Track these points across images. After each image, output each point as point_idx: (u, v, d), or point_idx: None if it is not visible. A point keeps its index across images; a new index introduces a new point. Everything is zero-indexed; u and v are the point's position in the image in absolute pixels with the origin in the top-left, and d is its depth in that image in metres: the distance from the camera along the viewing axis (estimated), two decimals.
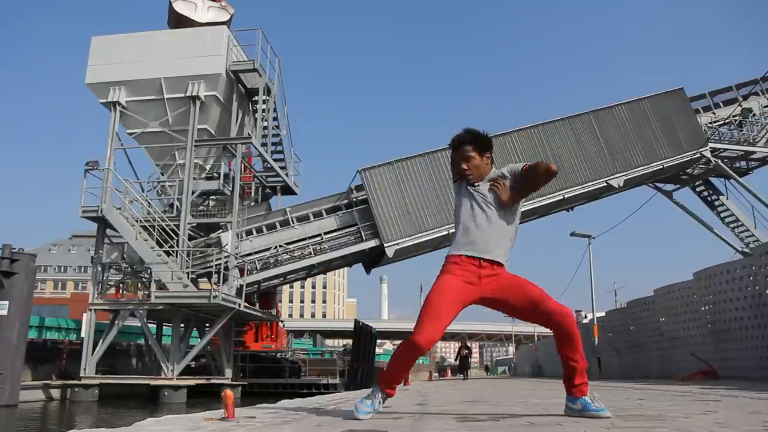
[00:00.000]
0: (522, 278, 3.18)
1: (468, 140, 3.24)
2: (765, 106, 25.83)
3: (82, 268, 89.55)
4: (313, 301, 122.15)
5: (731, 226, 26.21)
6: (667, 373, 11.99)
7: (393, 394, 3.30)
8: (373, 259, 21.97)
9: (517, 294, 3.12)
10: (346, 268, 37.15)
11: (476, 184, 3.24)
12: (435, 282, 3.17)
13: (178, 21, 19.78)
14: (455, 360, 29.29)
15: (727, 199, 26.10)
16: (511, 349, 78.78)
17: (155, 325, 20.30)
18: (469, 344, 29.42)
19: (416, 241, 19.31)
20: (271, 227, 19.89)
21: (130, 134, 19.20)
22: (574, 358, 3.06)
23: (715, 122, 25.24)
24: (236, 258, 18.17)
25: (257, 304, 22.00)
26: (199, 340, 18.62)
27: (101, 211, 17.41)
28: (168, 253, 16.99)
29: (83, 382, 16.59)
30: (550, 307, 3.06)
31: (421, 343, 3.04)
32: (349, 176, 44.20)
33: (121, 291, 19.61)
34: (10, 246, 13.93)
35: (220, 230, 18.77)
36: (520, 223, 3.43)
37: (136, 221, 17.39)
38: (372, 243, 19.40)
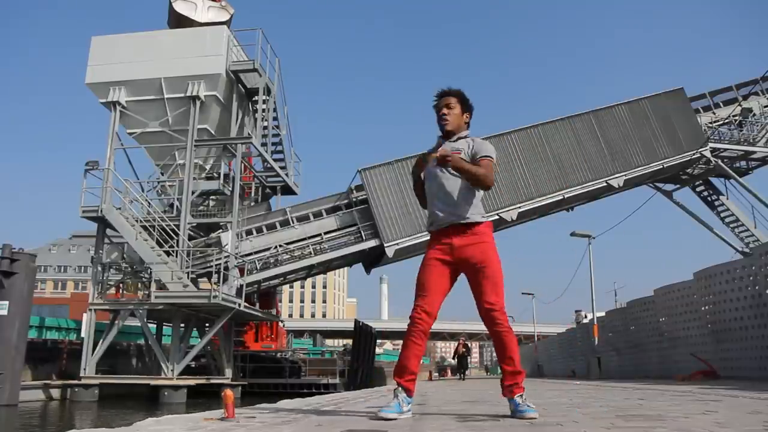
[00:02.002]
0: (489, 263, 3.17)
1: (455, 93, 3.42)
2: (765, 106, 25.84)
3: (82, 268, 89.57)
4: (313, 301, 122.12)
5: (731, 226, 26.22)
6: (667, 373, 11.98)
7: (409, 386, 3.17)
8: (373, 259, 21.97)
9: (474, 276, 3.19)
10: (346, 268, 37.15)
11: (444, 141, 3.38)
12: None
13: (178, 21, 19.78)
14: (453, 358, 28.79)
15: (727, 199, 26.11)
16: None
17: (155, 325, 20.30)
18: (468, 343, 28.37)
19: (416, 241, 19.31)
20: (271, 227, 19.89)
21: (130, 134, 19.20)
22: (505, 360, 3.14)
23: (715, 122, 25.25)
24: (236, 258, 18.17)
25: (257, 304, 22.00)
26: (199, 340, 18.62)
27: (101, 211, 17.41)
28: (168, 253, 16.99)
29: (83, 382, 16.59)
30: (483, 304, 3.14)
31: (416, 317, 3.17)
32: (349, 176, 44.19)
33: (121, 291, 19.59)
34: (10, 246, 13.93)
35: (220, 230, 18.77)
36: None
37: (136, 221, 17.39)
38: (372, 243, 19.41)
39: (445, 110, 3.38)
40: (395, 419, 3.07)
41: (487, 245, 3.22)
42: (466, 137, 3.36)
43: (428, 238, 3.40)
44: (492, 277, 3.15)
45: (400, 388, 3.17)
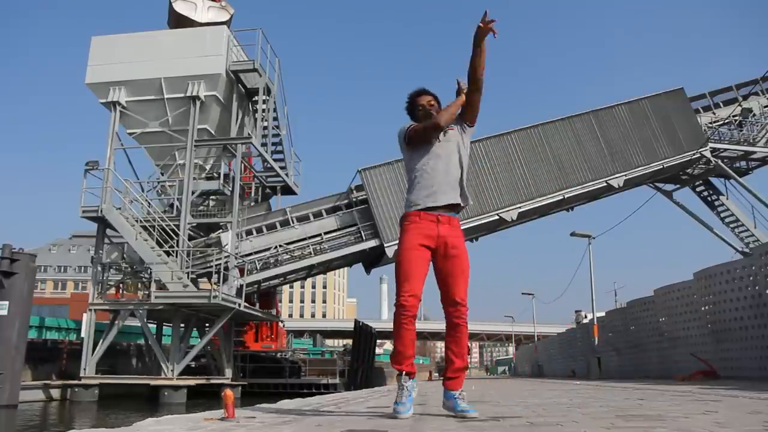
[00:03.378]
0: (465, 256, 3.29)
1: (431, 93, 3.55)
2: (765, 106, 25.84)
3: (82, 268, 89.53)
4: (313, 301, 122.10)
5: (731, 226, 26.22)
6: (667, 373, 11.98)
7: (413, 371, 3.27)
8: (373, 259, 21.98)
9: (448, 264, 3.25)
10: (346, 268, 37.14)
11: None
12: (399, 243, 3.32)
13: (178, 21, 19.78)
14: None
15: (727, 199, 26.11)
16: (511, 349, 78.72)
17: (155, 325, 20.29)
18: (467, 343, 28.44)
19: None
20: (271, 227, 19.89)
21: (130, 134, 19.20)
22: (454, 351, 3.22)
23: (715, 122, 25.25)
24: (236, 258, 18.17)
25: (257, 304, 21.99)
26: (199, 340, 18.62)
27: (101, 211, 17.42)
28: (168, 253, 16.99)
29: (83, 382, 16.59)
30: (453, 293, 3.21)
31: (406, 304, 3.16)
32: (349, 176, 44.23)
33: (121, 291, 19.61)
34: (10, 246, 13.91)
35: (220, 230, 18.77)
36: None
37: (136, 221, 17.39)
38: (372, 243, 19.41)
39: (429, 104, 3.49)
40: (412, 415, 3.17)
41: (461, 240, 3.34)
42: None
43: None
44: (461, 275, 3.25)
45: (404, 375, 3.21)
